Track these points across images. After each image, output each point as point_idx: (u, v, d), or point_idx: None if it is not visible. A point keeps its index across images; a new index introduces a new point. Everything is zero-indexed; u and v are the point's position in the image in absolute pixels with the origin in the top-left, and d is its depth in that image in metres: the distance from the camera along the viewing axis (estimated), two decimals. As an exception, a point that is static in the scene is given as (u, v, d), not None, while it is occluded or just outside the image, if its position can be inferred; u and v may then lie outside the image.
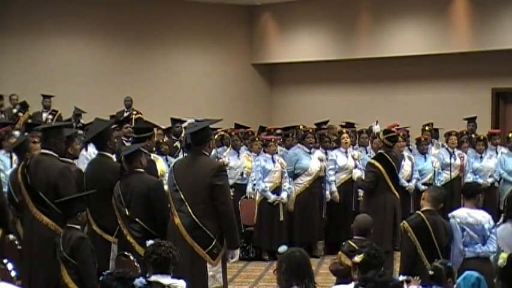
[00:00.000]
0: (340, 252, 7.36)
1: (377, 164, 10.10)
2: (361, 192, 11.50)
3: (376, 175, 10.07)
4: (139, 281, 5.29)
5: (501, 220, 7.71)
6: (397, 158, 10.55)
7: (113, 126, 10.70)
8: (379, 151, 10.51)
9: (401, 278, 6.61)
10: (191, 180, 7.13)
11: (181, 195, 7.14)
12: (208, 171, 7.10)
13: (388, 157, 10.15)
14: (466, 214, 7.39)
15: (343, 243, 7.47)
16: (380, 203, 10.02)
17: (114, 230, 7.66)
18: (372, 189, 10.15)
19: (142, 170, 7.56)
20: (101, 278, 5.32)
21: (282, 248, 5.53)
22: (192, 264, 7.02)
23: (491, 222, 7.42)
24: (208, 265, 7.07)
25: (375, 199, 10.17)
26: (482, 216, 7.40)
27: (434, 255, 7.16)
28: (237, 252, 7.34)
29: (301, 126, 13.18)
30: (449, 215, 7.47)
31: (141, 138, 9.14)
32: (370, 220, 7.63)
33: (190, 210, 7.09)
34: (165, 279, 5.88)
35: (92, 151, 10.92)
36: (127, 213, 7.39)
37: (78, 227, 6.93)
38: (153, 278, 5.84)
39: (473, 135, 13.39)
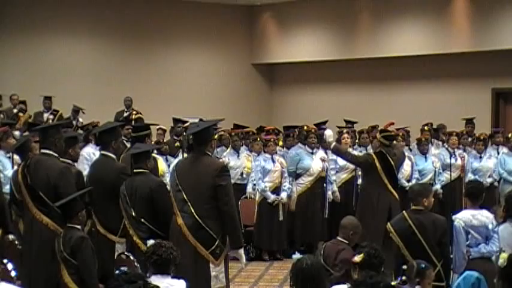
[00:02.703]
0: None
1: (375, 157, 10.17)
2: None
3: (367, 162, 10.18)
4: None
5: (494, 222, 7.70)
6: (398, 157, 10.54)
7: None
8: (378, 149, 10.53)
9: (403, 278, 6.63)
10: (194, 181, 7.12)
11: (184, 196, 7.13)
12: (212, 172, 7.08)
13: (386, 155, 10.17)
14: (470, 216, 7.37)
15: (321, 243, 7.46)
16: (373, 201, 10.05)
17: (118, 230, 7.69)
18: (365, 187, 10.30)
19: (146, 171, 7.58)
20: (116, 272, 5.36)
21: (296, 256, 5.52)
22: (194, 264, 7.01)
23: (494, 222, 7.42)
24: (211, 265, 7.06)
25: (368, 197, 10.23)
26: (486, 217, 7.39)
27: (423, 253, 7.18)
28: (242, 252, 7.33)
29: (305, 127, 13.17)
30: (453, 217, 7.46)
31: (139, 137, 9.15)
32: (356, 224, 7.55)
33: (193, 211, 7.07)
34: (165, 280, 5.88)
35: (91, 151, 10.94)
36: (133, 213, 7.41)
37: (79, 226, 6.94)
38: (153, 278, 5.84)
39: (472, 136, 13.42)
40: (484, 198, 7.66)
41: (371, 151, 12.18)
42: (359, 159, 10.62)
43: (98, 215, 7.84)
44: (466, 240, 7.35)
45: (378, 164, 10.14)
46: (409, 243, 7.24)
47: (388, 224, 7.43)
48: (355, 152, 12.32)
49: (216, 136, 12.18)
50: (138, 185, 7.46)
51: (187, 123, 13.12)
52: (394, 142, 10.93)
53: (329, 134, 10.78)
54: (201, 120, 12.09)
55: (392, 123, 11.80)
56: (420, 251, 7.19)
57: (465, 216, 7.39)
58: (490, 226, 7.37)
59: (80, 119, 15.50)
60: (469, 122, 14.15)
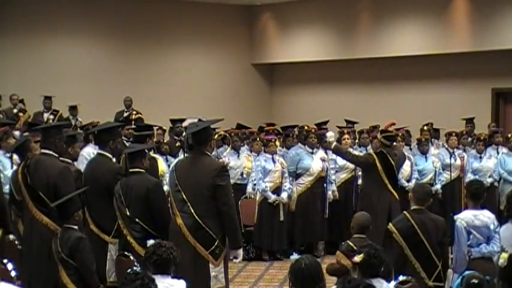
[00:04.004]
0: (338, 252, 7.42)
1: (375, 157, 10.16)
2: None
3: (367, 162, 10.18)
4: None
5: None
6: (399, 157, 10.54)
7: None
8: (379, 149, 10.52)
9: (401, 278, 6.64)
10: (193, 181, 7.12)
11: (184, 196, 7.12)
12: (211, 172, 7.08)
13: (388, 156, 10.17)
14: (472, 217, 7.37)
15: (342, 243, 7.53)
16: (373, 201, 10.04)
17: (111, 230, 7.68)
18: (365, 187, 10.31)
19: (142, 171, 7.57)
20: (129, 270, 5.41)
21: (294, 257, 5.51)
22: (194, 264, 7.01)
23: (496, 223, 7.42)
24: (210, 265, 7.07)
25: (368, 197, 10.21)
26: (487, 217, 7.39)
27: (426, 253, 7.18)
28: (240, 251, 7.36)
29: (305, 127, 13.17)
30: (455, 217, 7.46)
31: (141, 136, 9.14)
32: (368, 217, 7.70)
33: (192, 211, 7.07)
34: (165, 280, 5.88)
35: (90, 151, 10.94)
36: (127, 213, 7.40)
37: (76, 227, 6.93)
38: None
39: (472, 135, 13.43)
40: (484, 199, 7.67)
41: (371, 151, 12.19)
42: (359, 159, 10.65)
43: (92, 214, 7.82)
44: (468, 240, 7.35)
45: (378, 164, 10.15)
46: (411, 244, 7.22)
47: (390, 224, 7.41)
48: (356, 152, 12.31)
49: (216, 136, 12.20)
50: (134, 185, 7.43)
51: (185, 122, 13.13)
52: (394, 144, 10.93)
53: (330, 135, 10.82)
54: (199, 120, 12.08)
55: (394, 124, 11.81)
56: (422, 251, 7.19)
57: (467, 217, 7.39)
58: (492, 226, 7.37)
59: (79, 119, 15.50)
60: (469, 121, 14.15)
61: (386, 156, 10.20)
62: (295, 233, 12.14)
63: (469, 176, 12.30)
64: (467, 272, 6.44)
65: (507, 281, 5.35)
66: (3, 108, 15.92)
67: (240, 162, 12.43)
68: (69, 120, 15.13)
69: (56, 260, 6.84)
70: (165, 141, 13.02)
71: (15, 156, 9.43)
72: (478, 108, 15.56)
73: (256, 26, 19.91)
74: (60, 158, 7.67)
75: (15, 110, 15.75)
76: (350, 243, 7.36)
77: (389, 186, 10.16)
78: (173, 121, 14.04)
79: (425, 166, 12.50)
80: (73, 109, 15.82)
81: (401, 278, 6.66)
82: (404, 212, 7.54)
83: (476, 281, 5.45)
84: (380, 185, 10.14)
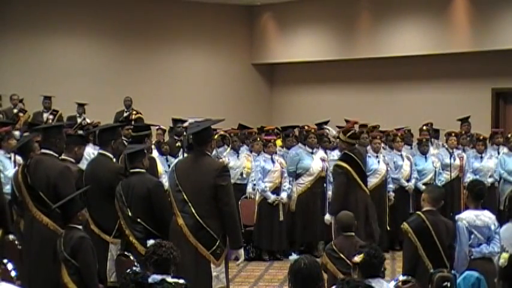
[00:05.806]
0: (324, 253, 7.48)
1: (343, 164, 10.08)
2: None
3: (345, 175, 10.06)
4: (153, 277, 5.36)
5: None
6: (362, 153, 10.46)
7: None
8: (343, 151, 10.39)
9: (401, 277, 6.65)
10: (194, 181, 7.11)
11: (184, 196, 7.12)
12: (212, 172, 7.08)
13: (353, 155, 10.12)
14: (474, 217, 7.36)
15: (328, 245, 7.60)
16: (351, 202, 9.99)
17: (112, 230, 7.68)
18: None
19: (143, 171, 7.57)
20: (128, 270, 5.42)
21: (293, 257, 5.52)
22: (196, 264, 7.01)
23: (496, 223, 7.42)
24: (212, 265, 7.07)
25: (346, 198, 10.14)
26: (488, 218, 7.39)
27: (437, 255, 7.18)
28: (242, 252, 7.35)
29: (306, 127, 13.14)
30: (457, 217, 7.45)
31: (139, 137, 9.14)
32: (351, 215, 7.80)
33: (193, 211, 7.07)
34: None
35: (90, 151, 10.95)
36: (129, 213, 7.40)
37: (80, 226, 6.92)
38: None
39: (473, 135, 13.43)
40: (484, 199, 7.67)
41: (370, 151, 12.15)
42: (343, 180, 10.08)
43: (92, 214, 7.81)
44: (469, 241, 7.34)
45: (349, 168, 10.02)
46: (426, 245, 7.19)
47: (405, 224, 7.35)
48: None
49: (216, 136, 12.19)
50: (135, 185, 7.44)
51: (187, 123, 13.13)
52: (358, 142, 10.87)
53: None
54: (195, 121, 12.08)
55: (356, 123, 11.72)
56: (434, 253, 7.17)
57: (469, 216, 7.38)
58: (493, 227, 7.37)
59: (87, 120, 15.46)
60: (465, 121, 14.16)
61: (351, 157, 10.12)
62: (295, 233, 12.15)
63: (469, 176, 12.32)
64: (467, 272, 6.45)
65: (507, 281, 5.35)
66: (3, 108, 15.92)
67: (240, 162, 12.44)
68: (75, 121, 15.13)
69: (59, 259, 6.83)
70: (165, 141, 13.03)
71: (17, 157, 9.43)
72: (478, 108, 15.56)
73: (256, 26, 19.91)
74: (62, 158, 7.68)
75: (15, 110, 15.75)
76: (333, 244, 7.41)
77: (362, 185, 10.13)
78: (175, 121, 14.04)
79: (425, 166, 12.51)
80: (80, 107, 15.80)
81: (401, 278, 6.66)
82: (418, 212, 7.50)
83: (448, 284, 5.49)
84: (355, 186, 10.09)
